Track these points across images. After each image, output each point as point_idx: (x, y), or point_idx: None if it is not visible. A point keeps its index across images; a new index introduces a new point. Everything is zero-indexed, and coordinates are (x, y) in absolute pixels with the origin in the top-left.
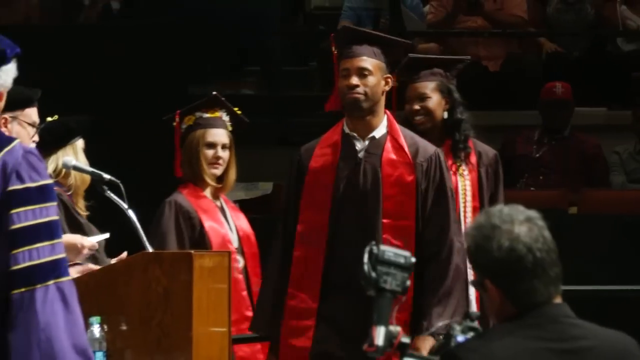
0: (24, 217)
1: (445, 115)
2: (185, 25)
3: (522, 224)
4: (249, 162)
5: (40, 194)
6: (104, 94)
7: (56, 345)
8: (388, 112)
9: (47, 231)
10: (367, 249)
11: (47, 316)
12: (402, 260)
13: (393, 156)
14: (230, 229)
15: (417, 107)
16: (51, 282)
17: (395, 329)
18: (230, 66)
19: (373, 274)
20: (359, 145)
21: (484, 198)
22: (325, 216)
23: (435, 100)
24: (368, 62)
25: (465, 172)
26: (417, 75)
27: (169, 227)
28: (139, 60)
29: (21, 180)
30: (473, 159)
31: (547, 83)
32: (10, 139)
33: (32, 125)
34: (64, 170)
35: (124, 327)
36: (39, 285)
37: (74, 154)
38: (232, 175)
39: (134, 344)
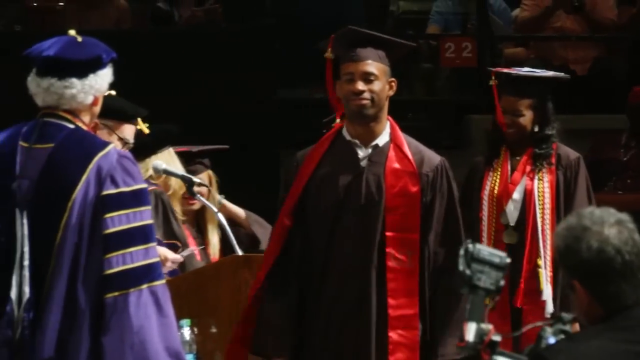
0: (118, 221)
1: (536, 128)
2: (275, 30)
3: (612, 226)
4: None
5: (135, 199)
6: (193, 97)
7: (149, 349)
8: (391, 118)
9: (141, 235)
10: (464, 246)
11: (141, 320)
12: (497, 260)
13: (397, 165)
14: None
15: (509, 121)
16: (145, 286)
17: (487, 326)
18: (319, 70)
19: (467, 272)
20: (361, 153)
21: (560, 200)
22: (325, 226)
23: (527, 118)
24: (373, 66)
25: (545, 175)
26: (512, 90)
27: None
28: (229, 64)
29: (115, 184)
30: (552, 161)
31: (635, 87)
32: (105, 144)
33: (122, 140)
34: (163, 175)
35: (214, 330)
36: (132, 289)
37: (170, 157)
38: None
39: (224, 346)
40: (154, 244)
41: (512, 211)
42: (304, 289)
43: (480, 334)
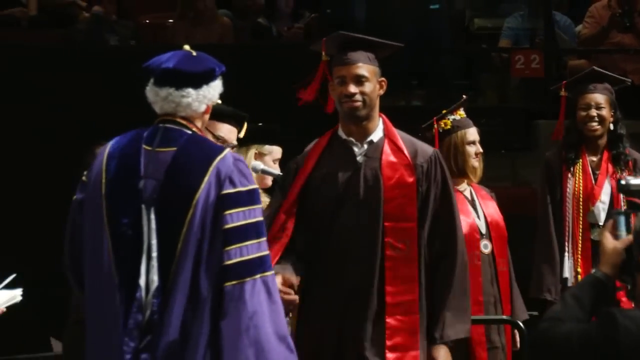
0: (236, 217)
1: (611, 127)
2: None
3: None
4: None
5: (249, 197)
6: (288, 106)
7: (262, 332)
8: (383, 115)
9: (255, 230)
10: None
11: (255, 306)
12: None
13: (392, 159)
14: (478, 216)
15: (594, 113)
16: (258, 276)
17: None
18: (402, 80)
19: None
20: (357, 150)
21: None
22: (326, 220)
23: (607, 111)
24: (364, 68)
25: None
26: (593, 87)
27: None
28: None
29: (233, 185)
30: (629, 165)
31: None
32: (221, 148)
33: (217, 138)
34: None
35: None
36: (248, 279)
37: (270, 156)
38: (481, 166)
39: None
40: (264, 238)
41: (600, 211)
42: (306, 280)
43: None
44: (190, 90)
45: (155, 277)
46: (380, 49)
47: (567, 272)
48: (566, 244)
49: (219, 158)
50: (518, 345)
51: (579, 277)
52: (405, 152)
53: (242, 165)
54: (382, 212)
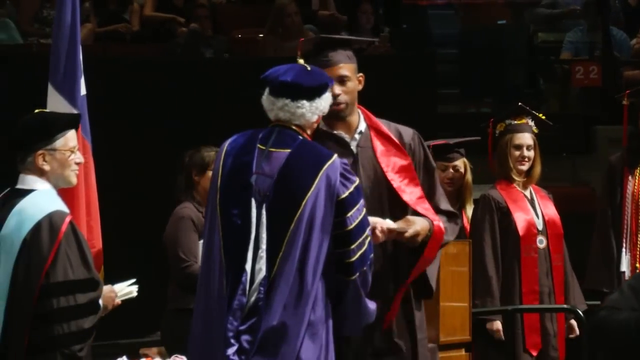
0: (355, 217)
1: None
2: (434, 56)
3: None
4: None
5: (358, 192)
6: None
7: (366, 312)
8: (361, 107)
9: (364, 225)
10: None
11: (362, 293)
12: None
13: (383, 144)
14: (537, 214)
15: None
16: (365, 268)
17: None
18: (473, 89)
19: None
20: (349, 141)
21: None
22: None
23: None
24: (345, 68)
25: None
26: None
27: (483, 216)
28: (394, 88)
29: (346, 187)
30: None
31: None
32: (330, 154)
33: None
34: None
35: None
36: (362, 270)
37: None
38: (537, 169)
39: None
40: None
41: None
42: None
43: None
44: (305, 102)
45: (263, 267)
46: (356, 44)
47: (625, 267)
48: (624, 240)
49: (328, 163)
50: (577, 331)
51: (637, 271)
52: (392, 136)
53: (347, 167)
54: (388, 199)
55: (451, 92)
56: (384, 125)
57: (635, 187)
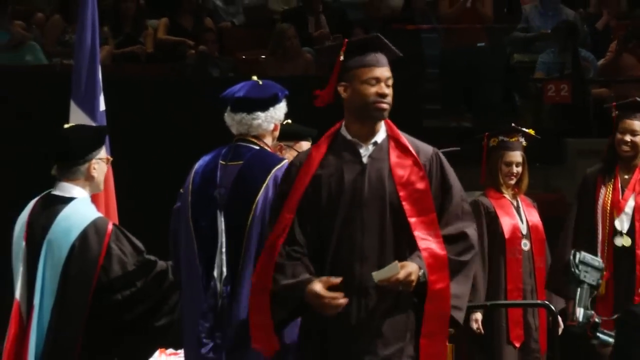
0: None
1: None
2: (422, 75)
3: None
4: None
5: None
6: None
7: None
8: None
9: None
10: (572, 253)
11: None
12: (596, 264)
13: (400, 156)
14: (521, 220)
15: (627, 139)
16: None
17: (590, 311)
18: (454, 105)
19: (576, 271)
20: (362, 151)
21: None
22: (331, 223)
23: None
24: (389, 71)
25: None
26: (633, 114)
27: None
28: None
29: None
30: None
31: None
32: (280, 159)
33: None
34: None
35: None
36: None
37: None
38: (525, 182)
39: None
40: None
41: (623, 222)
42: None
43: (587, 316)
44: (260, 113)
45: (224, 269)
46: (392, 54)
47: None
48: (596, 247)
49: (278, 167)
50: (562, 326)
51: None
52: (411, 149)
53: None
54: (391, 212)
55: (434, 108)
56: (404, 137)
57: (606, 198)
